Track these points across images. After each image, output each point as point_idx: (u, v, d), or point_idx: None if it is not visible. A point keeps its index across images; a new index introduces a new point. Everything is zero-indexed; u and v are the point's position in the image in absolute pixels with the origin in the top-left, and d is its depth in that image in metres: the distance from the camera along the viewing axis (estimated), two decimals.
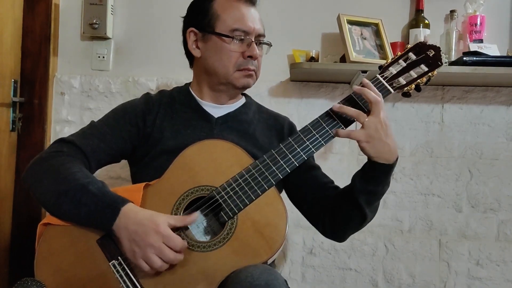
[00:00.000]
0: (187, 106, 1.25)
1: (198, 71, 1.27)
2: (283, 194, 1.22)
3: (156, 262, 0.95)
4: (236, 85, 1.20)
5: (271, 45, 1.27)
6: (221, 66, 1.18)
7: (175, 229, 1.00)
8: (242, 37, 1.18)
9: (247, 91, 1.33)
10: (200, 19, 1.21)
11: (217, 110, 1.24)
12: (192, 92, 1.27)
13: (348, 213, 1.12)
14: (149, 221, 0.97)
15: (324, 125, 1.07)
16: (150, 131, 1.20)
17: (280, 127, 1.29)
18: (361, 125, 1.03)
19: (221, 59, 1.18)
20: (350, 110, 1.04)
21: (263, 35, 1.23)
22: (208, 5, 1.20)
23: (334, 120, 1.07)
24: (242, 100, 1.31)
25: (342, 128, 1.07)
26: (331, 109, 1.08)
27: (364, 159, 1.09)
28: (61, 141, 1.14)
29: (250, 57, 1.18)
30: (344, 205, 1.12)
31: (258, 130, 1.26)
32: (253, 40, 1.19)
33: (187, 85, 1.31)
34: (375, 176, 1.07)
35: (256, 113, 1.30)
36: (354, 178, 1.11)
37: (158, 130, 1.20)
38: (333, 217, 1.16)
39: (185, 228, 1.04)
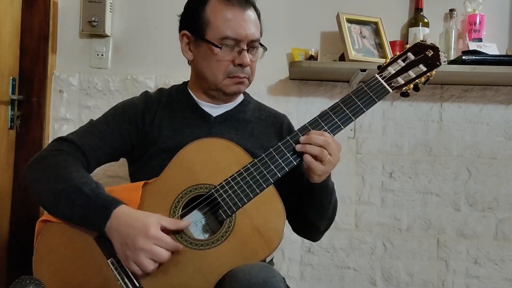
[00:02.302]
0: (185, 105, 1.25)
1: (193, 72, 1.26)
2: None
3: (148, 266, 0.95)
4: (226, 92, 1.19)
5: (266, 49, 1.23)
6: (210, 73, 1.17)
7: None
8: (233, 45, 1.15)
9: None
10: (192, 23, 1.19)
11: (215, 109, 1.24)
12: (190, 91, 1.27)
13: (304, 225, 1.22)
14: (140, 224, 0.96)
15: (323, 124, 1.08)
16: (148, 129, 1.20)
17: (280, 126, 1.29)
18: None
19: (211, 67, 1.16)
20: (318, 141, 1.03)
21: (257, 40, 1.19)
22: (200, 9, 1.17)
23: (332, 120, 1.08)
24: (240, 98, 1.30)
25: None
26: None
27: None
28: (60, 139, 1.14)
29: (240, 65, 1.16)
30: (299, 220, 1.20)
31: (257, 129, 1.25)
32: (245, 48, 1.15)
33: (185, 83, 1.30)
34: (316, 193, 1.11)
35: (255, 111, 1.30)
36: (301, 191, 1.15)
37: (156, 129, 1.20)
38: (297, 225, 1.25)
39: None
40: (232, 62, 1.16)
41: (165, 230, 0.98)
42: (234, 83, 1.18)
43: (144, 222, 0.97)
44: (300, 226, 1.24)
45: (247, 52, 1.16)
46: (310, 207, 1.14)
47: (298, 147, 1.05)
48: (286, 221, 1.04)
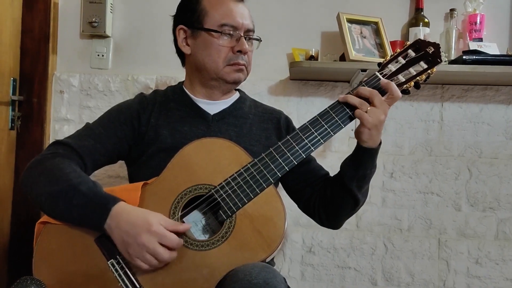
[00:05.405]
0: (182, 104, 1.25)
1: (190, 68, 1.27)
2: (280, 190, 1.22)
3: (152, 261, 0.95)
4: (226, 80, 1.21)
5: (261, 40, 1.27)
6: (210, 61, 1.19)
7: None
8: (231, 32, 1.19)
9: (243, 87, 1.33)
10: (189, 16, 1.22)
11: (212, 107, 1.24)
12: (186, 90, 1.27)
13: (343, 201, 1.15)
14: (142, 220, 0.96)
15: (323, 123, 1.07)
16: (145, 130, 1.20)
17: (277, 121, 1.30)
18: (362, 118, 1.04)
19: (211, 54, 1.19)
20: (353, 99, 1.04)
21: (253, 31, 1.24)
22: (196, 2, 1.22)
23: (333, 118, 1.07)
24: (236, 95, 1.31)
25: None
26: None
27: None
28: (56, 143, 1.14)
29: (240, 51, 1.19)
30: (338, 194, 1.15)
31: (255, 125, 1.26)
32: (242, 35, 1.19)
33: (181, 83, 1.31)
34: (363, 160, 1.10)
35: (252, 108, 1.31)
36: (343, 166, 1.13)
37: (153, 129, 1.20)
38: (329, 207, 1.18)
39: None
40: (231, 49, 1.19)
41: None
42: (234, 70, 1.20)
43: (145, 219, 0.97)
44: (335, 203, 1.17)
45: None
46: (354, 177, 1.10)
47: (341, 98, 1.06)
48: (287, 221, 1.03)
